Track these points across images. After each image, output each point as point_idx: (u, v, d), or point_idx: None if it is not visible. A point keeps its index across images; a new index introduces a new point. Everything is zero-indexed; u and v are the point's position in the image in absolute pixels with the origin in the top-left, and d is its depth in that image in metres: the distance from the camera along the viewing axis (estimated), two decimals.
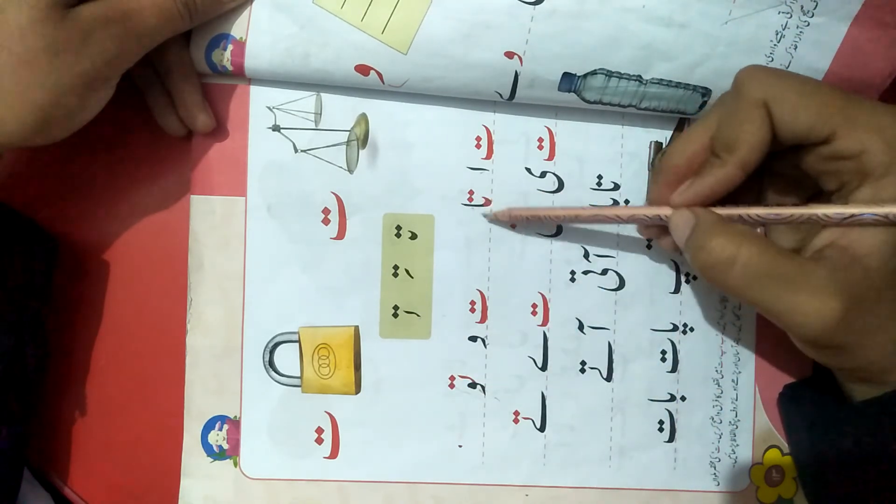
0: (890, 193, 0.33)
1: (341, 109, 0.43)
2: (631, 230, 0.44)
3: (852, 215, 0.34)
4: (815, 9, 0.37)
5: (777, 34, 0.38)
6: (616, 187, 0.44)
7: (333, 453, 0.44)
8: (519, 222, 0.44)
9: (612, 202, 0.44)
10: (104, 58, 0.35)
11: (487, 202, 0.44)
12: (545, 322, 0.44)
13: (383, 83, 0.41)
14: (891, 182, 0.33)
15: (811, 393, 0.42)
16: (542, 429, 0.44)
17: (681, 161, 0.38)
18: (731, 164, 0.35)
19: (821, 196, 0.37)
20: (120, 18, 0.35)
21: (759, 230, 0.38)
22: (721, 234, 0.35)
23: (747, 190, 0.38)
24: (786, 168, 0.38)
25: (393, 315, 0.44)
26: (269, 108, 0.43)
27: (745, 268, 0.34)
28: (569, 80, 0.40)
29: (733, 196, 0.37)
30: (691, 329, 0.45)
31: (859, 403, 0.37)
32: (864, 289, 0.33)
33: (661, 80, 0.40)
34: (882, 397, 0.36)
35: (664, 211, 0.38)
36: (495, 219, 0.44)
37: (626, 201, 0.44)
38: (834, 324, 0.33)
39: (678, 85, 0.40)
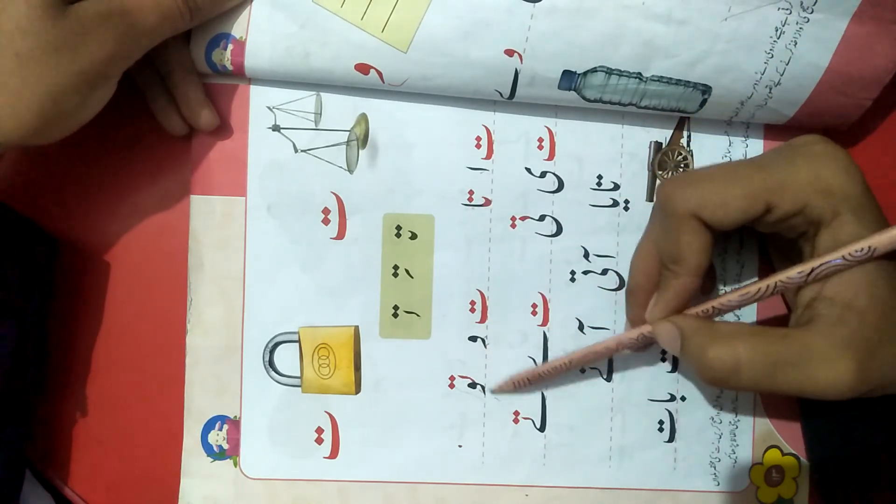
0: (847, 233, 0.34)
1: (341, 109, 0.43)
2: (631, 230, 0.44)
3: (812, 269, 0.35)
4: (814, 5, 0.37)
5: (777, 30, 0.38)
6: (616, 187, 0.44)
7: (333, 453, 0.44)
8: (521, 387, 0.44)
9: (611, 202, 0.44)
10: (104, 55, 0.34)
11: (487, 202, 0.44)
12: (545, 322, 0.44)
13: (383, 82, 0.41)
14: (843, 222, 0.34)
15: None
16: (542, 429, 0.44)
17: (640, 279, 0.40)
18: (682, 274, 0.37)
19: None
20: (119, 16, 0.34)
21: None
22: (713, 343, 0.35)
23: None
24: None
25: (393, 315, 0.44)
26: (269, 107, 0.43)
27: (750, 370, 0.35)
28: (569, 78, 0.40)
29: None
30: None
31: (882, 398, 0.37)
32: (868, 332, 0.34)
33: (661, 77, 0.40)
34: None
35: (646, 329, 0.39)
36: (500, 391, 0.44)
37: (626, 201, 0.44)
38: (856, 380, 0.34)
39: (678, 82, 0.40)
